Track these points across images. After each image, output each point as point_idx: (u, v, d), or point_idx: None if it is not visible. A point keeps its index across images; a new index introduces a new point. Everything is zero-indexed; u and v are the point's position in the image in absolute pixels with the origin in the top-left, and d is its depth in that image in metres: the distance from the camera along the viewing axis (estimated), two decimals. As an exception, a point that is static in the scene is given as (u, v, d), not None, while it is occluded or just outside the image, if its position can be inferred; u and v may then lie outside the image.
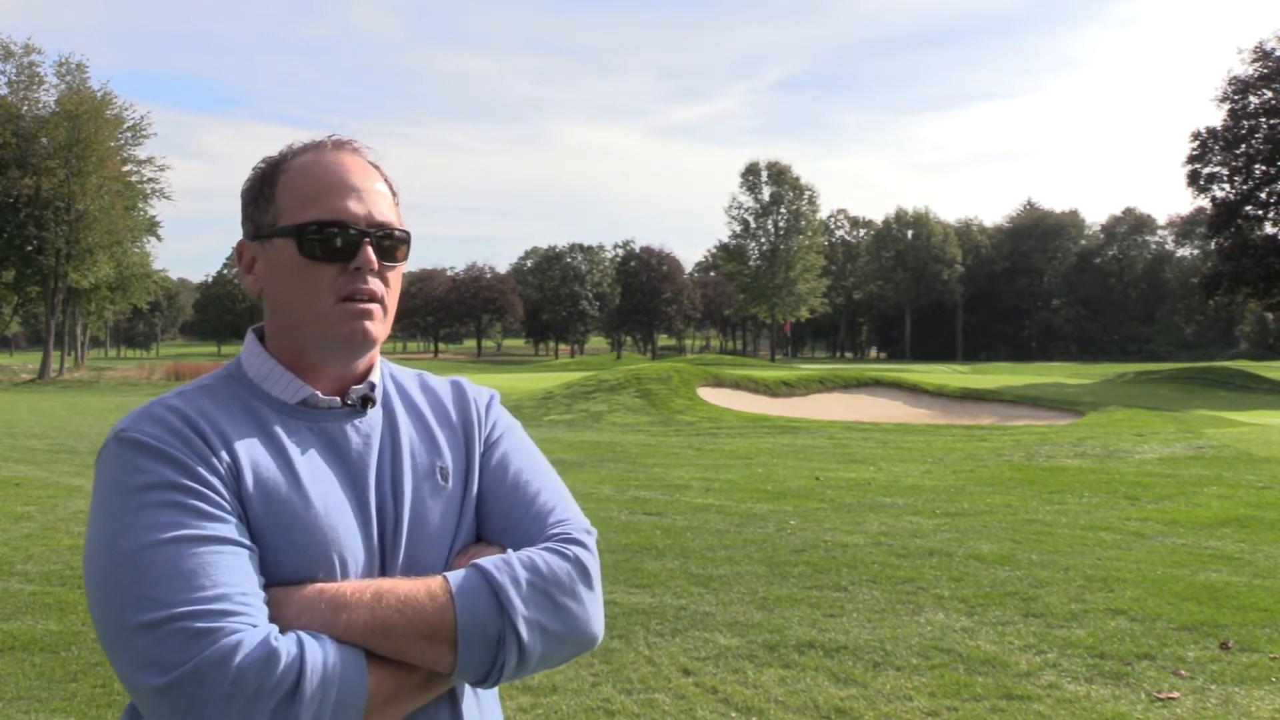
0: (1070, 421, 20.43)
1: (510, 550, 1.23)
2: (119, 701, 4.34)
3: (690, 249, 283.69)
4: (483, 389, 1.45)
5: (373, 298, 1.24)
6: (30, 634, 5.26)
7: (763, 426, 18.57)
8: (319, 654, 1.05)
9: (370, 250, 1.23)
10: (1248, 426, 17.23)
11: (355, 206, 1.24)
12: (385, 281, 1.26)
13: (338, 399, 1.27)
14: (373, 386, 1.29)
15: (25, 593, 6.13)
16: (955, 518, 8.63)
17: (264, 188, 1.28)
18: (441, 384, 1.41)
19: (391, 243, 1.27)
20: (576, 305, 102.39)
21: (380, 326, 1.26)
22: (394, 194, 1.32)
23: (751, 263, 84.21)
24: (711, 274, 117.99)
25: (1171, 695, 4.35)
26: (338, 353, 1.26)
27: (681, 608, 5.76)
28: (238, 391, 1.25)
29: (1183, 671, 4.65)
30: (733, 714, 4.20)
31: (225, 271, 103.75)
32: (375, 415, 1.29)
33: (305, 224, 1.23)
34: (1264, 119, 39.49)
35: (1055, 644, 5.05)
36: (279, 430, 1.22)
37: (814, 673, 4.66)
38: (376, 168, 1.31)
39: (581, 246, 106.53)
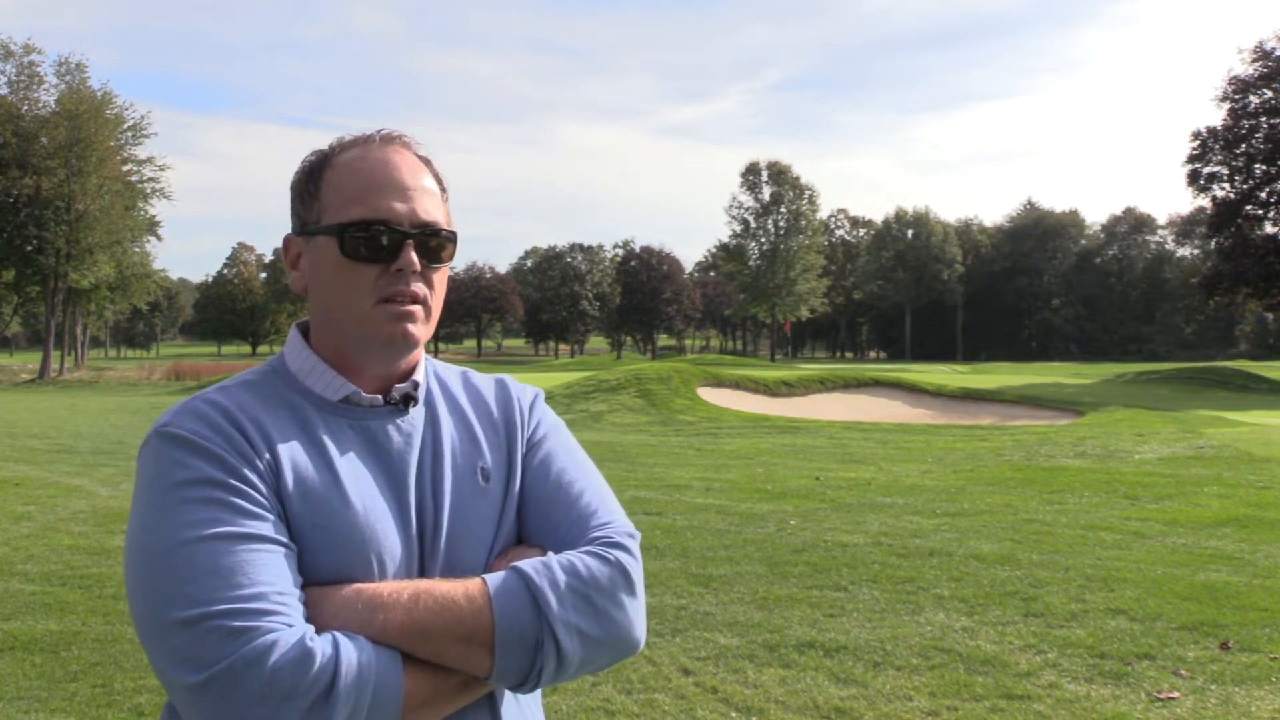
0: (1070, 421, 20.43)
1: (550, 553, 1.22)
2: (119, 701, 4.34)
3: (690, 249, 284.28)
4: (527, 387, 1.43)
5: (415, 299, 1.22)
6: (30, 634, 5.26)
7: (763, 426, 18.58)
8: (354, 655, 1.05)
9: (412, 252, 1.21)
10: (1248, 426, 17.23)
11: (399, 206, 1.22)
12: (429, 283, 1.24)
13: (380, 397, 1.25)
14: (416, 385, 1.28)
15: (25, 593, 6.13)
16: (955, 518, 8.63)
17: (310, 183, 1.26)
18: (486, 382, 1.39)
19: (437, 242, 1.24)
20: (576, 305, 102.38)
21: (422, 328, 1.24)
22: (443, 189, 1.30)
23: (751, 263, 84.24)
24: (711, 274, 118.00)
25: (1171, 695, 4.35)
26: (379, 354, 1.24)
27: (681, 608, 5.76)
28: (279, 387, 1.24)
29: (1183, 671, 4.65)
30: (733, 714, 4.20)
31: (225, 271, 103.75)
32: (417, 414, 1.28)
33: (348, 223, 1.21)
34: (1264, 118, 39.45)
35: (1055, 644, 5.05)
36: (320, 428, 1.21)
37: (814, 673, 4.66)
38: (427, 162, 1.29)
39: (581, 246, 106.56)
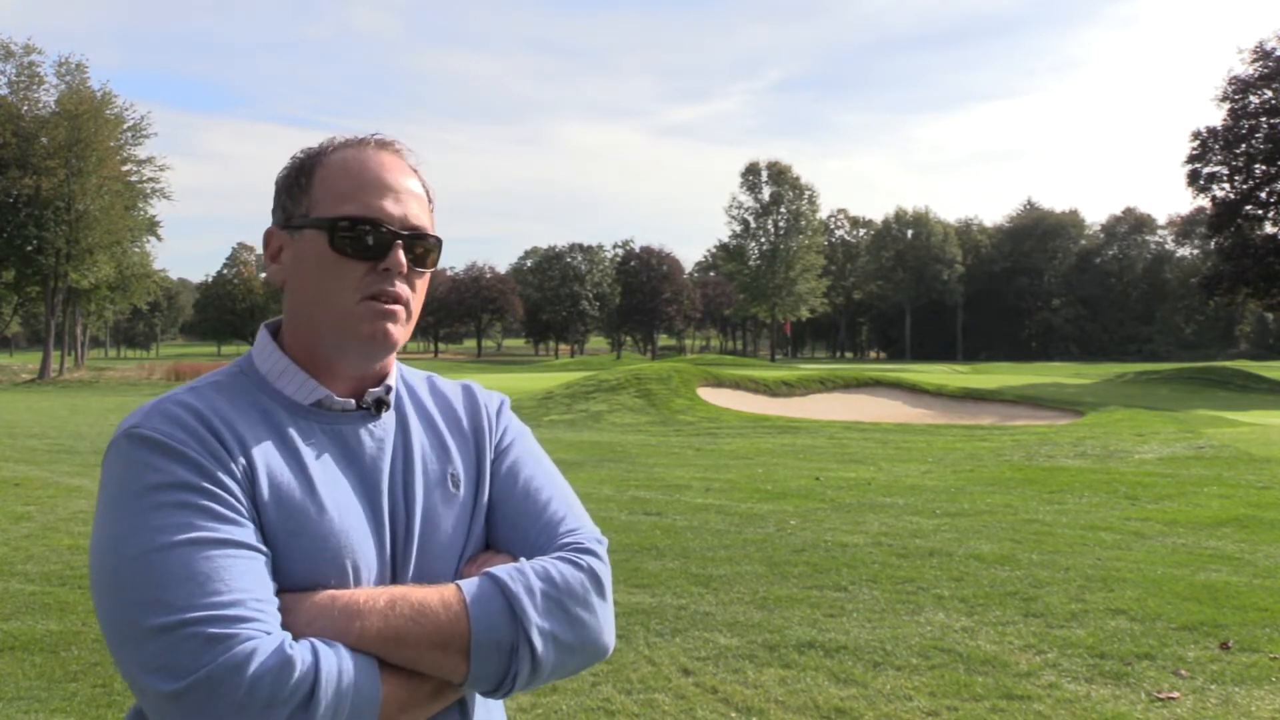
0: (1070, 421, 20.43)
1: (522, 559, 1.22)
2: (119, 702, 4.34)
3: (690, 249, 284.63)
4: (493, 394, 1.43)
5: (398, 300, 1.22)
6: (30, 634, 5.26)
7: (763, 426, 18.57)
8: (334, 662, 1.04)
9: (401, 253, 1.21)
10: (1248, 426, 17.23)
11: (391, 206, 1.22)
12: (412, 286, 1.24)
13: (352, 401, 1.24)
14: (389, 389, 1.27)
15: (25, 593, 6.13)
16: (955, 518, 8.63)
17: (300, 177, 1.25)
18: (452, 388, 1.39)
19: (424, 248, 1.25)
20: (576, 305, 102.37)
21: (402, 330, 1.23)
22: (430, 199, 1.30)
23: (751, 263, 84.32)
24: (711, 274, 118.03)
25: (1171, 695, 4.35)
26: (357, 353, 1.23)
27: (681, 608, 5.76)
28: (250, 389, 1.22)
29: (1183, 671, 4.65)
30: (733, 714, 4.20)
31: (225, 271, 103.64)
32: (388, 419, 1.27)
33: (339, 218, 1.20)
34: (1264, 118, 39.47)
35: (1055, 644, 5.05)
36: (293, 432, 1.20)
37: (814, 673, 4.66)
38: (415, 171, 1.29)
39: (581, 246, 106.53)
